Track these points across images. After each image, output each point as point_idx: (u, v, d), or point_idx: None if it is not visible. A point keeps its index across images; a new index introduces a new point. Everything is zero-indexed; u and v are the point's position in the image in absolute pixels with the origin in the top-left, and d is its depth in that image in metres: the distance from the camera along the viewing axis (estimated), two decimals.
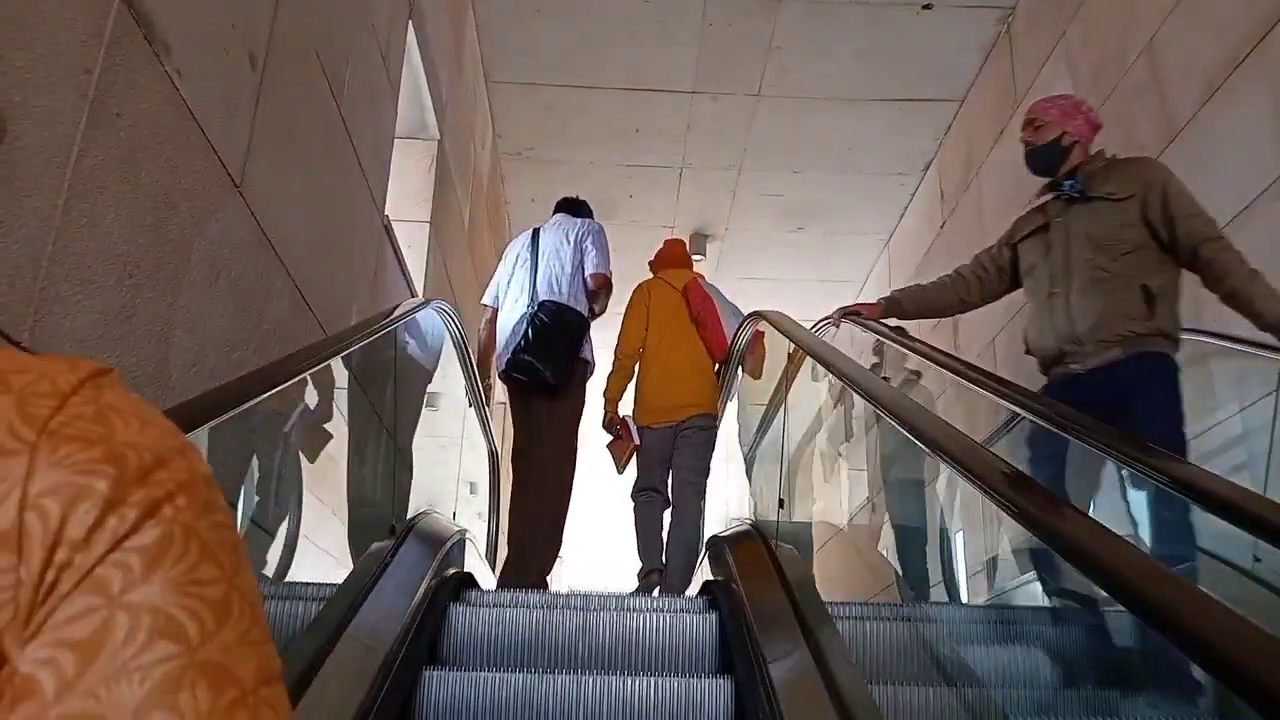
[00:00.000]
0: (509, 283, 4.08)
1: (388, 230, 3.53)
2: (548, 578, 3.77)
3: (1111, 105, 4.06)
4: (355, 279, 3.19)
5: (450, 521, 3.68)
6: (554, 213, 4.33)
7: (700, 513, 4.10)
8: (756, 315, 4.40)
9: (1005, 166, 5.26)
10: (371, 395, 3.03)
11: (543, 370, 3.76)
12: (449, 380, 4.09)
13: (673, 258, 4.52)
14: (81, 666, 0.35)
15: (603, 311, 4.07)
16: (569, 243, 4.07)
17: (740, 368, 4.43)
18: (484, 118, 5.84)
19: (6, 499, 0.36)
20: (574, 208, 4.32)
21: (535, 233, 4.19)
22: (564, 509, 3.89)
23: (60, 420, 0.38)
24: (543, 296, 3.93)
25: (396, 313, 2.94)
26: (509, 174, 6.64)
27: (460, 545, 3.54)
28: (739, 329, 4.39)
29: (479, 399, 4.37)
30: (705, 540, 3.93)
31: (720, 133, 6.22)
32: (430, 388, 3.93)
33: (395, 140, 3.76)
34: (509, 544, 3.85)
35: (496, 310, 4.10)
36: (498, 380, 4.18)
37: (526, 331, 3.82)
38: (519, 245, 4.19)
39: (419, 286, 4.11)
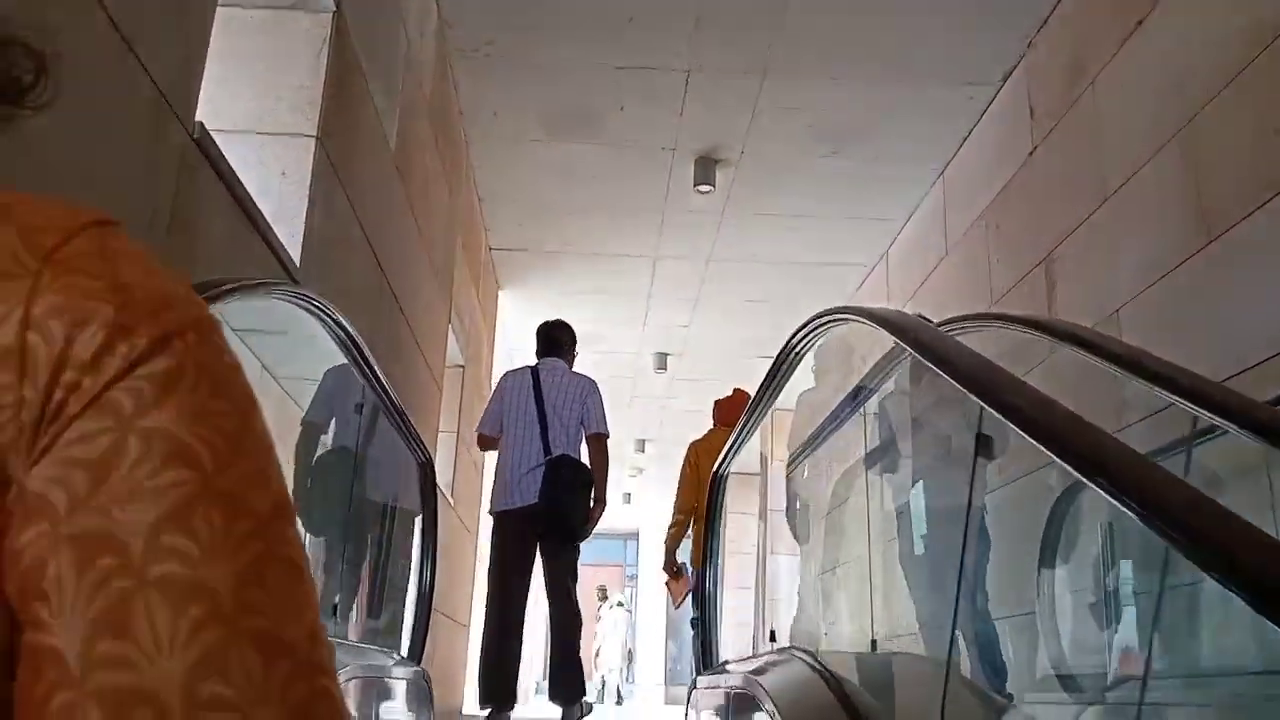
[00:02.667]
0: (514, 424, 4.34)
1: (203, 149, 2.06)
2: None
3: None
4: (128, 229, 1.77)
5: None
6: (539, 346, 4.68)
7: None
8: None
9: (1143, 73, 3.78)
10: None
11: (572, 522, 4.22)
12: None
13: (735, 418, 4.79)
14: (93, 486, 0.34)
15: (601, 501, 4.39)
16: (575, 400, 4.42)
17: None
18: None
19: (8, 319, 0.36)
20: (558, 345, 4.64)
21: (534, 374, 4.47)
22: (579, 638, 4.41)
23: (65, 253, 0.38)
24: (556, 452, 4.25)
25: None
26: (462, 77, 5.12)
27: None
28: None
29: (392, 409, 3.03)
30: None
31: (740, 26, 4.70)
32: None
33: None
34: (489, 671, 4.14)
35: (494, 439, 4.44)
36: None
37: (548, 489, 4.15)
38: (518, 384, 4.46)
39: (292, 241, 2.65)
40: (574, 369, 4.65)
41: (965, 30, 4.69)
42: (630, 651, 15.84)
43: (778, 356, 3.79)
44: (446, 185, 5.07)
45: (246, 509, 0.36)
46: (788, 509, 4.69)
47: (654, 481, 14.32)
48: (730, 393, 5.25)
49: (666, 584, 4.90)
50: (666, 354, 9.01)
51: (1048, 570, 3.84)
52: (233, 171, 2.23)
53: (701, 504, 4.73)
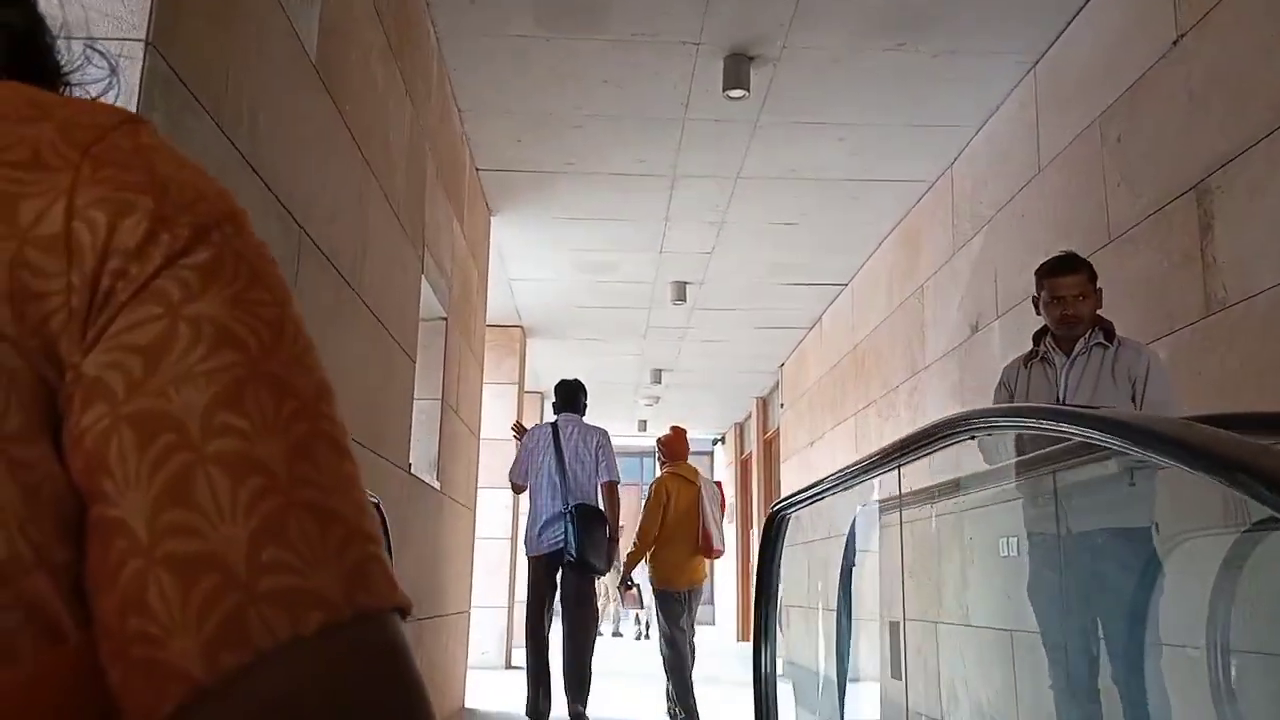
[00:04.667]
0: (537, 476, 5.20)
1: None
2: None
3: None
4: None
5: None
6: (558, 400, 5.48)
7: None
8: None
9: None
10: None
11: (597, 567, 5.10)
12: None
13: (684, 452, 5.72)
14: (148, 369, 0.36)
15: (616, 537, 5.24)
16: (590, 452, 5.22)
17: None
18: None
19: (52, 208, 0.37)
20: (574, 401, 5.44)
21: (554, 430, 5.27)
22: (590, 661, 5.17)
23: (103, 147, 0.39)
24: (576, 500, 5.08)
25: None
26: None
27: None
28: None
29: None
30: None
31: None
32: None
33: None
34: (534, 682, 5.06)
35: (524, 486, 5.34)
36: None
37: (572, 533, 4.98)
38: (540, 439, 5.30)
39: None
40: (585, 412, 5.49)
41: None
42: None
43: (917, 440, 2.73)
44: (409, 98, 3.95)
45: (292, 390, 0.37)
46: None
47: (672, 406, 13.41)
48: (669, 432, 5.84)
49: (618, 591, 5.60)
50: (685, 283, 7.93)
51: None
52: None
53: (675, 533, 5.45)
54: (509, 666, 8.60)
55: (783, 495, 3.79)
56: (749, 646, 11.84)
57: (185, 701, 0.33)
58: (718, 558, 5.72)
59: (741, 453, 14.50)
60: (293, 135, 2.55)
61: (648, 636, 15.18)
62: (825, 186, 6.13)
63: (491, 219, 6.60)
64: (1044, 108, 4.62)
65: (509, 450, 8.95)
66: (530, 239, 7.12)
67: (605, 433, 5.35)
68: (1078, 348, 3.22)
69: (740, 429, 14.66)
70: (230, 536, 0.34)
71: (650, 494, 5.50)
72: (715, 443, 16.68)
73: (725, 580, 15.46)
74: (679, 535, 5.40)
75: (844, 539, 4.16)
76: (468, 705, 6.06)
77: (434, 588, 4.86)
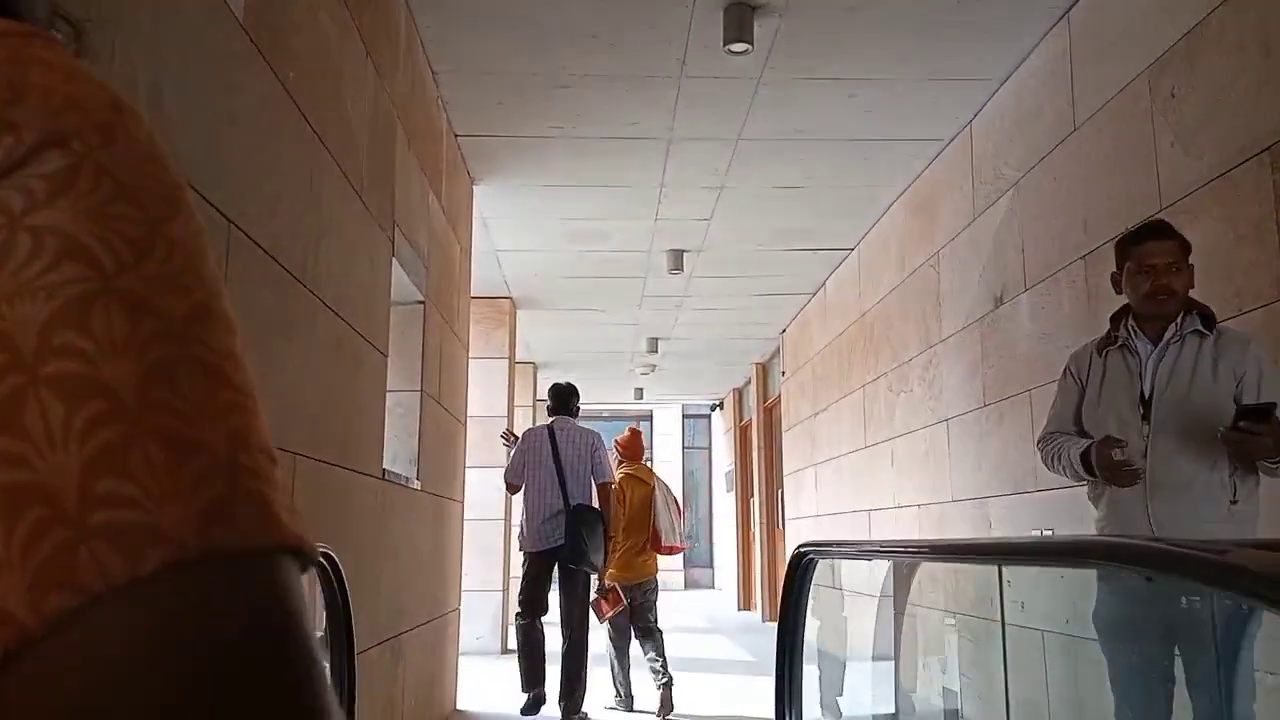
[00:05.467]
0: (534, 476, 5.44)
1: None
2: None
3: None
4: None
5: None
6: (553, 404, 5.74)
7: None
8: None
9: None
10: None
11: (595, 564, 5.40)
12: None
13: (640, 453, 6.12)
14: None
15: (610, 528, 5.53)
16: (585, 454, 5.47)
17: None
18: None
19: None
20: (567, 405, 5.69)
21: (551, 433, 5.52)
22: (586, 656, 5.49)
23: None
24: (575, 500, 5.35)
25: None
26: None
27: None
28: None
29: None
30: None
31: None
32: None
33: None
34: (528, 656, 5.38)
35: (519, 485, 5.54)
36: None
37: (573, 532, 5.27)
38: (537, 441, 5.55)
39: None
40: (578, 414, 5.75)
41: None
42: None
43: None
44: (371, 60, 3.49)
45: (154, 310, 0.33)
46: None
47: (670, 374, 13.03)
48: (625, 433, 6.07)
49: (594, 604, 5.52)
50: (682, 251, 7.49)
51: None
52: None
53: (629, 529, 5.75)
54: (505, 651, 8.28)
55: (807, 535, 3.34)
56: (749, 616, 11.57)
57: (10, 645, 0.28)
58: (669, 554, 6.05)
59: (740, 419, 14.13)
60: (214, 112, 2.11)
61: None
62: (834, 148, 5.68)
63: (474, 188, 6.15)
64: (1080, 58, 4.17)
65: (497, 427, 8.59)
66: (517, 209, 6.67)
67: (599, 435, 5.67)
68: (1168, 334, 2.71)
69: (739, 395, 14.29)
70: (60, 465, 0.30)
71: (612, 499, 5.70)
72: (713, 409, 16.31)
73: (725, 550, 15.19)
74: (633, 531, 5.70)
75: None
76: (459, 706, 5.73)
77: (419, 595, 4.49)
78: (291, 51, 2.59)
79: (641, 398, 14.92)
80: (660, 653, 5.70)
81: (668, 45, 4.49)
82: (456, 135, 5.43)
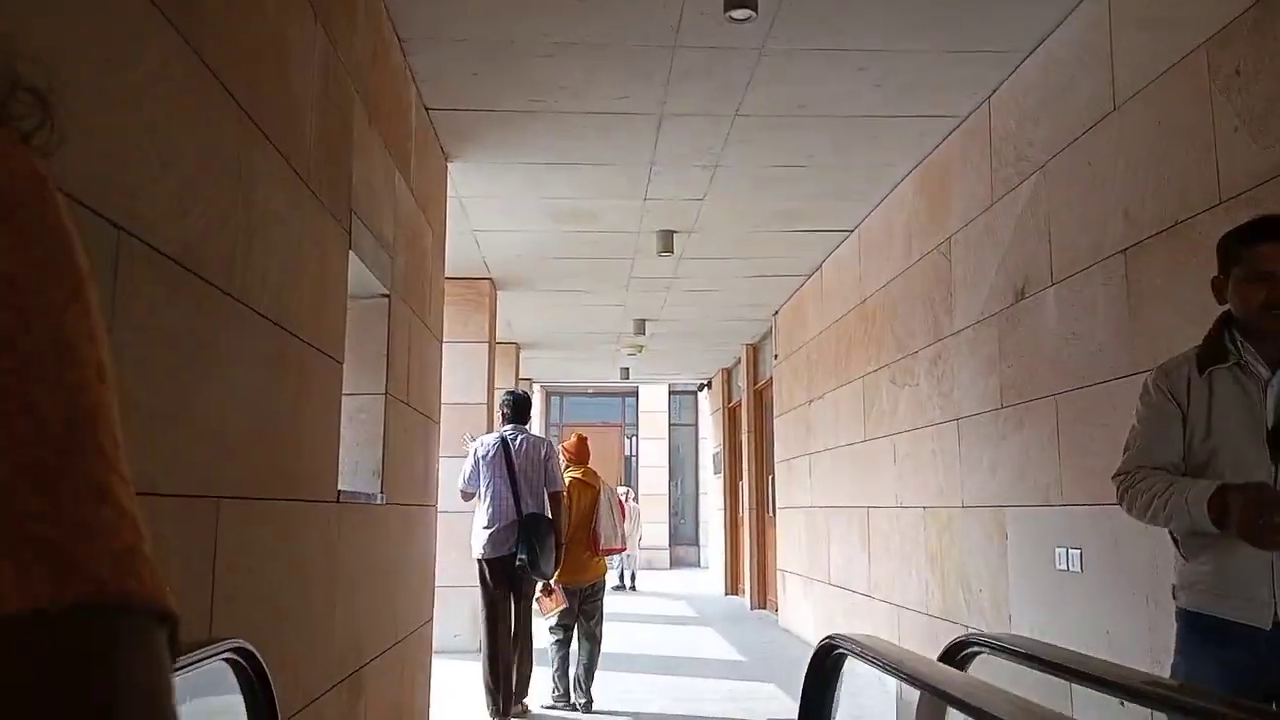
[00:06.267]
0: (489, 485, 5.61)
1: None
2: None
3: None
4: None
5: None
6: (509, 413, 5.85)
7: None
8: None
9: None
10: None
11: (546, 572, 5.53)
12: None
13: (587, 457, 6.21)
14: None
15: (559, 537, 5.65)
16: (538, 463, 5.62)
17: None
18: None
19: None
20: (523, 414, 5.89)
21: (505, 443, 5.67)
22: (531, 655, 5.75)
23: None
24: (528, 510, 5.54)
25: None
26: None
27: None
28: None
29: None
30: None
31: None
32: None
33: None
34: (493, 669, 5.55)
35: (473, 493, 5.72)
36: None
37: (524, 540, 5.45)
38: (491, 451, 5.68)
39: None
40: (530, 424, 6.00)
41: None
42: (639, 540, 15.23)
43: None
44: (321, 25, 3.02)
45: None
46: None
47: (657, 354, 12.62)
48: (573, 438, 6.23)
49: (537, 600, 5.60)
50: (673, 232, 7.04)
51: None
52: None
53: (575, 532, 5.85)
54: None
55: (844, 635, 2.81)
56: (737, 602, 11.23)
57: None
58: (609, 555, 6.19)
59: (729, 400, 13.74)
60: (97, 92, 1.66)
61: (633, 588, 14.67)
62: (839, 124, 5.24)
63: (448, 166, 5.68)
64: (1122, 28, 3.73)
65: (475, 416, 8.15)
66: (495, 188, 6.21)
67: (551, 444, 5.88)
68: None
69: (728, 375, 13.88)
70: None
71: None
72: (701, 388, 15.91)
73: (713, 529, 14.88)
74: (580, 537, 5.79)
75: None
76: None
77: (384, 622, 4.08)
78: (208, 14, 2.13)
79: (627, 378, 14.52)
80: (591, 666, 5.85)
81: (661, 11, 4.02)
82: (428, 109, 4.95)
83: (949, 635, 5.24)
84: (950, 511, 5.31)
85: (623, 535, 6.31)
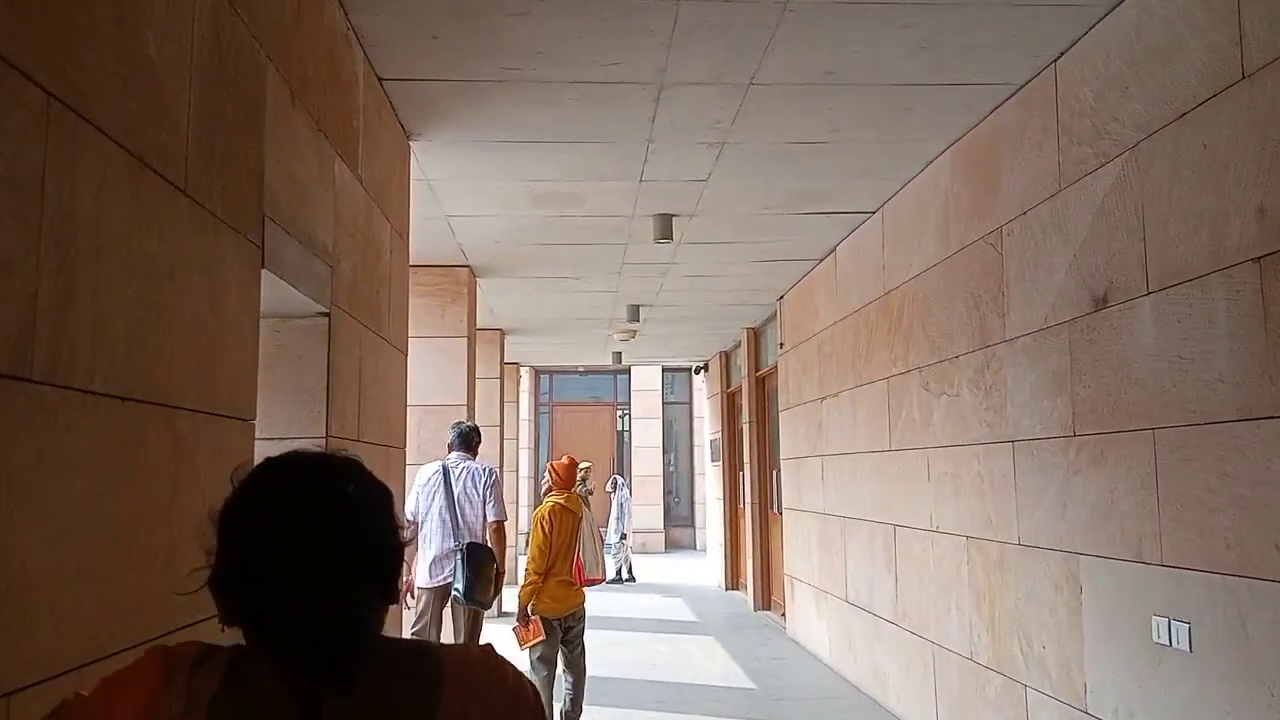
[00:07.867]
0: (429, 515, 5.65)
1: None
2: None
3: None
4: None
5: None
6: (456, 442, 5.89)
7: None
8: None
9: None
10: None
11: (483, 603, 5.56)
12: None
13: (572, 481, 5.73)
14: None
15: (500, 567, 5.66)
16: (478, 492, 5.71)
17: None
18: None
19: None
20: (469, 444, 5.89)
21: (446, 473, 5.71)
22: None
23: None
24: (467, 539, 5.58)
25: None
26: None
27: None
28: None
29: None
30: None
31: None
32: None
33: None
34: None
35: (418, 524, 5.64)
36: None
37: (464, 570, 5.41)
38: (431, 480, 5.72)
39: None
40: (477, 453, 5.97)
41: None
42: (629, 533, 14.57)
43: None
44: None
45: None
46: None
47: (651, 339, 11.84)
48: (564, 460, 5.86)
49: (514, 629, 5.44)
50: (672, 216, 6.23)
51: None
52: None
53: (558, 561, 5.46)
54: None
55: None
56: (738, 600, 10.52)
57: None
58: (591, 585, 6.01)
59: (728, 385, 12.97)
60: None
61: (631, 578, 14.00)
62: (871, 93, 4.42)
63: (411, 145, 4.84)
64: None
65: (456, 416, 7.36)
66: (467, 168, 5.37)
67: (494, 471, 5.90)
68: None
69: (726, 358, 13.10)
70: None
71: (533, 528, 5.59)
72: (697, 371, 15.13)
73: (711, 514, 14.18)
74: (560, 569, 5.49)
75: None
76: None
77: None
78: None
79: (619, 362, 13.75)
80: (577, 699, 5.57)
81: None
82: (381, 80, 4.12)
83: (1002, 690, 4.51)
84: (1003, 547, 4.56)
85: (603, 565, 6.35)
